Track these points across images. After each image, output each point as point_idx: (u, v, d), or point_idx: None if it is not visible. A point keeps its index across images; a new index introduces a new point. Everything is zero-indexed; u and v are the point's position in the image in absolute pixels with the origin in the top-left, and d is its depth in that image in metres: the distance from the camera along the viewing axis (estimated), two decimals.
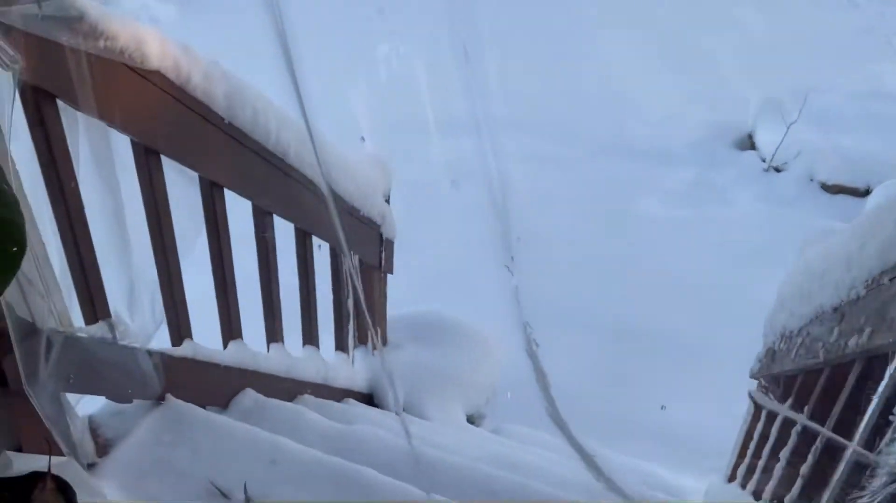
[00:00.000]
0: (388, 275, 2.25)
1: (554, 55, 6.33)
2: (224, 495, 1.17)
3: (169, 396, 1.33)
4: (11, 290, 1.00)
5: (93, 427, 1.29)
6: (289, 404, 1.62)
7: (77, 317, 1.13)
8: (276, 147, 1.41)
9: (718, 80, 5.57)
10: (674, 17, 6.79)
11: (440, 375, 2.38)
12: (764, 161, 4.99)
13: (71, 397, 1.17)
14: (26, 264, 1.01)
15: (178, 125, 1.18)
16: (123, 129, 1.09)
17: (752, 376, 1.92)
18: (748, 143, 5.28)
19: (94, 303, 1.13)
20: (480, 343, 2.54)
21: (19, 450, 1.08)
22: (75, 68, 0.96)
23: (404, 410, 2.28)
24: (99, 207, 1.17)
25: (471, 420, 2.49)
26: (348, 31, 6.63)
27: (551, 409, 1.65)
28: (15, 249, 0.74)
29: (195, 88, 1.16)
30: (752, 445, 1.80)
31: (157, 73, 1.08)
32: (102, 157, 1.13)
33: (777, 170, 4.91)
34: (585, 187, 4.55)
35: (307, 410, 1.59)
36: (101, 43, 0.97)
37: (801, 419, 1.42)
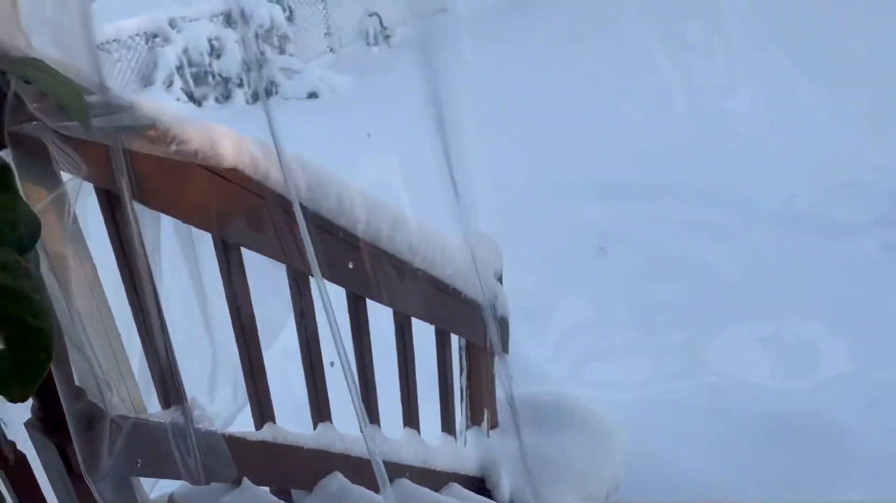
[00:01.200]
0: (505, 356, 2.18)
1: (707, 111, 6.04)
2: None
3: (245, 480, 1.35)
4: (85, 377, 1.06)
5: None
6: (374, 495, 1.58)
7: (155, 403, 1.18)
8: (366, 232, 1.42)
9: None
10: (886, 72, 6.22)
11: (555, 463, 2.25)
12: None
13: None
14: (100, 351, 1.06)
15: (258, 218, 1.21)
16: (202, 226, 1.14)
17: None
18: None
19: (168, 388, 1.18)
20: (603, 430, 2.38)
21: None
22: (148, 171, 1.01)
23: (514, 500, 2.18)
24: (183, 295, 1.22)
25: None
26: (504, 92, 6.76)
27: None
28: (43, 356, 0.77)
29: (275, 183, 1.19)
30: None
31: (234, 171, 1.12)
32: (185, 248, 1.18)
33: None
34: (746, 261, 4.20)
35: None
36: (174, 147, 1.02)
37: None
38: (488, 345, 2.08)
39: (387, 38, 9.87)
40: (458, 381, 2.13)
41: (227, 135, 1.10)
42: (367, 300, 1.54)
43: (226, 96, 7.59)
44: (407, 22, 10.71)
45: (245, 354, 1.30)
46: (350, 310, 1.52)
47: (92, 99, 0.92)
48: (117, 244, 1.03)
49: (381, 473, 1.42)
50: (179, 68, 7.19)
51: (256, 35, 7.59)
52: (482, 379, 2.16)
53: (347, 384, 1.53)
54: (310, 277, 1.38)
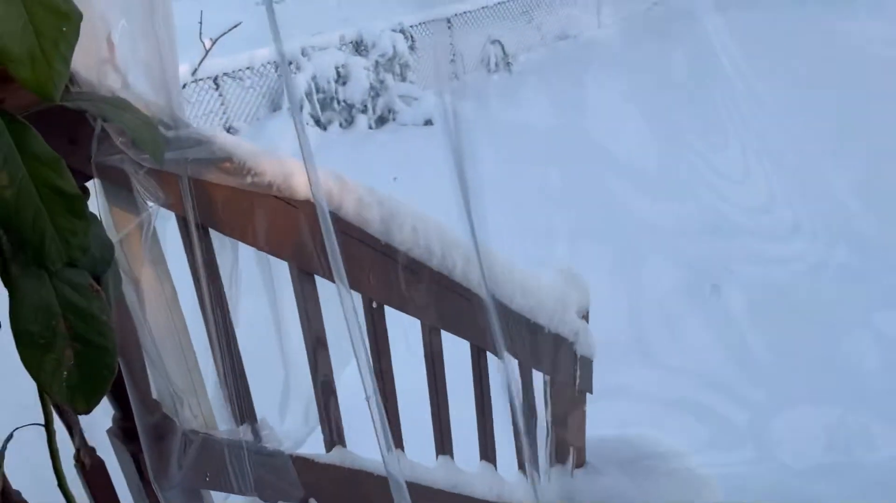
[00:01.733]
0: (588, 394, 2.12)
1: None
2: None
3: (312, 501, 1.38)
4: (161, 391, 1.13)
5: None
6: None
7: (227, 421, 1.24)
8: (441, 265, 1.43)
9: None
10: None
11: None
12: None
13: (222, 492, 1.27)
14: (176, 367, 1.13)
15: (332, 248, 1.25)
16: (277, 254, 1.19)
17: None
18: None
19: (239, 407, 1.23)
20: (694, 480, 2.26)
21: None
22: (224, 201, 1.07)
23: None
24: (260, 318, 1.28)
25: None
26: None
27: None
28: (106, 373, 0.82)
29: (347, 214, 1.23)
30: None
31: (308, 202, 1.17)
32: (264, 273, 1.24)
33: None
34: (885, 308, 3.87)
35: None
36: (249, 179, 1.08)
37: None
38: (576, 382, 2.03)
39: (508, 64, 9.96)
40: (542, 417, 2.10)
41: (301, 168, 1.15)
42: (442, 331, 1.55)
43: (349, 121, 7.91)
44: (531, 49, 10.77)
45: (317, 377, 1.34)
46: (424, 341, 1.54)
47: (171, 133, 0.99)
48: (193, 267, 1.10)
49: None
50: (308, 94, 7.56)
51: (377, 63, 7.86)
52: (567, 416, 2.11)
53: (431, 411, 1.55)
54: (384, 307, 1.41)
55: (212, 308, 1.14)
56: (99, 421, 1.18)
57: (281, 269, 1.25)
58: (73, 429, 0.97)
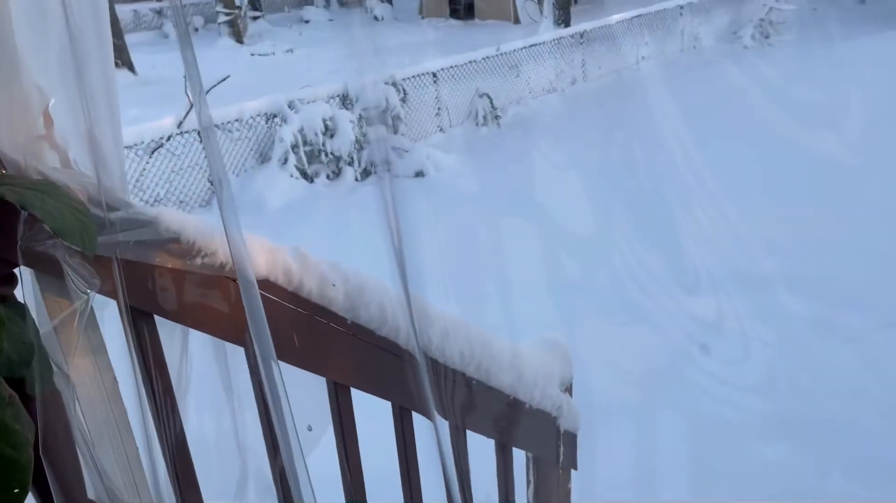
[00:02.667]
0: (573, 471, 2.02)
1: (831, 198, 5.64)
2: None
3: None
4: (99, 492, 1.03)
5: None
6: None
7: None
8: (411, 342, 1.35)
9: None
10: None
11: None
12: None
13: None
14: (116, 469, 1.03)
15: (291, 330, 1.17)
16: (233, 340, 1.10)
17: None
18: None
19: (186, 500, 1.13)
20: None
21: None
22: (172, 285, 0.99)
23: None
24: (213, 408, 1.19)
25: None
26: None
27: None
28: (17, 491, 0.73)
29: (310, 293, 1.15)
30: None
31: (265, 281, 1.09)
32: (219, 359, 1.15)
33: None
34: (867, 368, 3.81)
35: None
36: (199, 260, 1.00)
37: None
38: (559, 458, 1.93)
39: (496, 118, 10.03)
40: (524, 496, 1.99)
41: (258, 245, 1.07)
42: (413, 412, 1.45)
43: (336, 173, 7.89)
44: (520, 102, 10.88)
45: (277, 464, 1.24)
46: (395, 423, 1.44)
47: (113, 215, 0.91)
48: (140, 359, 1.01)
49: None
50: (294, 146, 7.55)
51: (361, 117, 7.89)
52: (551, 494, 2.00)
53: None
54: (350, 389, 1.32)
55: (158, 398, 1.05)
56: None
57: (238, 355, 1.17)
58: None
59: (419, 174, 7.96)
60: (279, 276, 1.11)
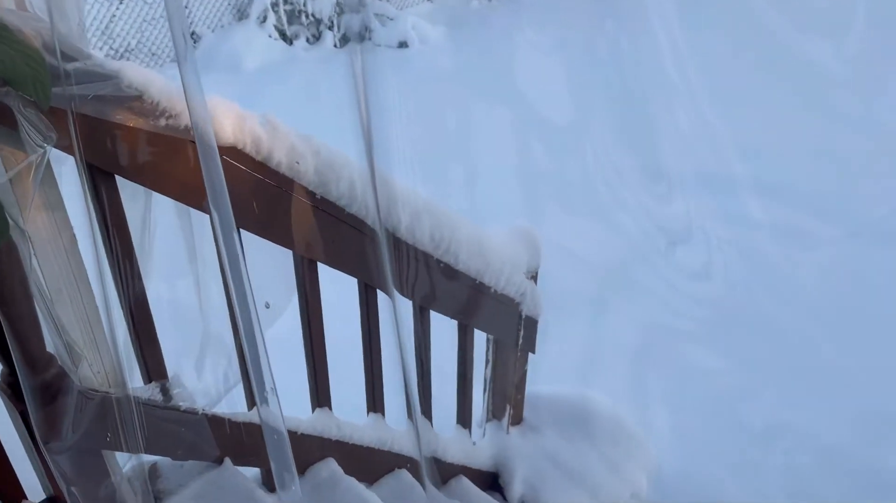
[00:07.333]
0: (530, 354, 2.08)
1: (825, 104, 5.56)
2: None
3: (227, 461, 1.32)
4: (58, 346, 1.03)
5: (153, 475, 1.31)
6: (363, 489, 1.54)
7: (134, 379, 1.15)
8: (385, 221, 1.34)
9: None
10: None
11: (574, 471, 2.16)
12: None
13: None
14: (74, 320, 1.03)
15: (258, 201, 1.14)
16: (196, 206, 1.08)
17: None
18: None
19: (148, 365, 1.14)
20: (632, 444, 2.27)
21: (52, 500, 1.12)
22: (133, 145, 0.95)
23: (522, 501, 2.10)
24: (177, 271, 1.18)
25: None
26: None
27: None
28: None
29: (279, 164, 1.12)
30: None
31: (233, 149, 1.05)
32: (184, 226, 1.13)
33: None
34: (822, 277, 3.88)
35: (377, 499, 1.49)
36: (163, 122, 0.96)
37: None
38: (518, 342, 1.98)
39: None
40: (482, 374, 2.06)
41: (226, 111, 1.03)
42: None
43: (316, 37, 7.56)
44: None
45: (238, 333, 1.25)
46: (360, 299, 1.46)
47: (70, 66, 0.86)
48: (101, 219, 0.98)
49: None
50: (274, 5, 7.18)
51: None
52: (508, 374, 2.07)
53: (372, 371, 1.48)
54: (317, 263, 1.32)
55: (118, 259, 1.03)
56: None
57: (203, 221, 1.14)
58: None
59: (402, 45, 7.66)
60: (247, 144, 1.07)
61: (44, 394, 0.98)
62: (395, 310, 1.40)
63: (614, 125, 5.35)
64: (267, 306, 1.18)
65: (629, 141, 5.14)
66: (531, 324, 1.96)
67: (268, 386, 0.91)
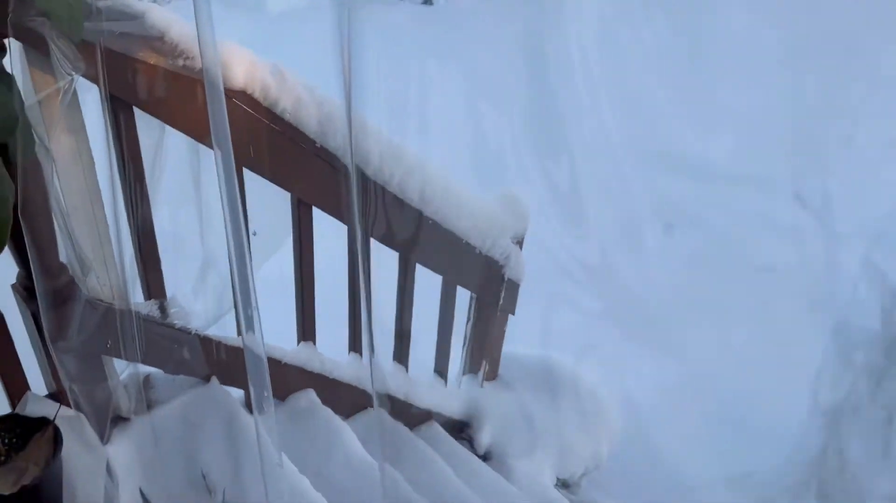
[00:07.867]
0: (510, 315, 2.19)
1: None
2: (208, 490, 1.24)
3: (214, 379, 1.43)
4: (70, 257, 1.14)
5: (147, 385, 1.43)
6: (339, 420, 1.66)
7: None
8: (377, 175, 1.43)
9: None
10: None
11: (540, 429, 2.28)
12: None
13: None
14: (86, 234, 1.13)
15: (262, 144, 1.24)
16: (204, 142, 1.17)
17: None
18: None
19: (149, 283, 1.25)
20: (597, 408, 2.39)
21: (54, 396, 1.23)
22: (152, 81, 1.04)
23: (489, 452, 2.23)
24: (183, 200, 1.28)
25: (564, 485, 2.36)
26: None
27: None
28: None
29: (284, 111, 1.21)
30: None
31: (242, 93, 1.14)
32: (192, 159, 1.23)
33: None
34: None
35: (350, 431, 1.61)
36: (181, 62, 1.05)
37: None
38: (499, 302, 2.09)
39: None
40: (463, 330, 2.16)
41: (240, 57, 1.12)
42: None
43: None
44: None
45: (234, 263, 1.35)
46: (349, 246, 1.55)
47: (101, 3, 0.94)
48: (117, 147, 1.08)
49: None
50: None
51: None
52: (488, 332, 2.18)
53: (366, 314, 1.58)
54: (311, 206, 1.42)
55: (130, 184, 1.13)
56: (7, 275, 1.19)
57: (210, 156, 1.24)
58: None
59: (427, 2, 7.63)
60: (256, 90, 1.16)
61: (55, 298, 1.09)
62: (363, 254, 1.49)
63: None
64: (254, 233, 1.27)
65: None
66: (513, 287, 2.06)
67: (253, 309, 1.01)
